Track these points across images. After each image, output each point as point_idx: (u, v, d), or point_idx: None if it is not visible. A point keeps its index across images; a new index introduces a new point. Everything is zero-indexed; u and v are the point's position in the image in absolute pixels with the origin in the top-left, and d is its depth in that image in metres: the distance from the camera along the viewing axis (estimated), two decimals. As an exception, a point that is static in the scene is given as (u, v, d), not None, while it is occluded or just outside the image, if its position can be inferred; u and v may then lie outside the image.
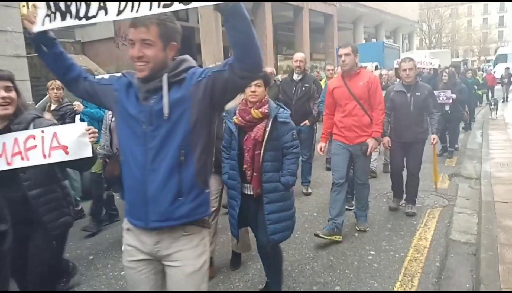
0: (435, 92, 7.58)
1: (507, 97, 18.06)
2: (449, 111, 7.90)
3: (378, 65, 13.64)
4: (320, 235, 4.19)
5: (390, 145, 5.02)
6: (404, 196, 5.23)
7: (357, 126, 4.17)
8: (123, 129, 1.85)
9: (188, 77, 1.77)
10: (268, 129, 2.88)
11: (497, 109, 12.81)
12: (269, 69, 6.50)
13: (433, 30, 51.98)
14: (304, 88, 5.73)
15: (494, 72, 24.10)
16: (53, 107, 5.19)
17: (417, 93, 4.82)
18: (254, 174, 2.92)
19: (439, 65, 11.89)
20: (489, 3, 75.09)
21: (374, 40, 28.03)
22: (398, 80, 7.71)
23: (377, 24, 27.83)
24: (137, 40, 1.71)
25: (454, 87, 8.07)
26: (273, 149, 2.92)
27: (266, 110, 2.91)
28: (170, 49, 1.78)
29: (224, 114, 3.20)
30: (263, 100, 2.94)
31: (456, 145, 8.69)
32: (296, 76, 5.80)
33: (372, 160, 6.32)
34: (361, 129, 4.17)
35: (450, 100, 7.75)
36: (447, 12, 53.26)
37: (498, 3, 74.64)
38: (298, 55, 5.87)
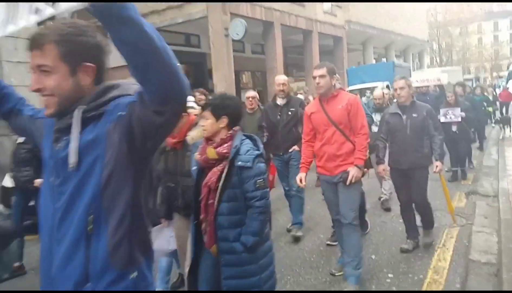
0: (442, 111, 7.38)
1: None
2: (456, 132, 7.46)
3: (389, 84, 13.63)
4: (336, 274, 4.02)
5: (386, 174, 4.68)
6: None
7: (338, 155, 3.66)
8: (43, 178, 1.43)
9: (108, 111, 1.31)
10: (224, 175, 2.41)
11: (505, 128, 12.19)
12: (251, 93, 6.08)
13: (443, 49, 52.00)
14: (290, 113, 5.25)
15: (507, 88, 23.88)
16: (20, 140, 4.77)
17: (413, 115, 4.31)
18: (208, 228, 2.49)
19: (448, 82, 11.86)
20: (499, 21, 75.11)
21: (384, 60, 28.12)
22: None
23: (387, 45, 27.98)
24: (34, 67, 1.30)
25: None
26: (232, 199, 2.43)
27: (224, 151, 2.44)
28: (83, 73, 1.34)
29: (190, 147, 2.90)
30: (225, 136, 2.48)
31: (471, 166, 8.39)
32: (280, 101, 5.36)
33: (387, 188, 6.19)
34: (342, 158, 3.65)
35: (459, 119, 7.27)
36: (457, 30, 53.30)
37: (508, 21, 74.59)
38: (280, 78, 5.43)
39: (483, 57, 63.31)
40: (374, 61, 25.75)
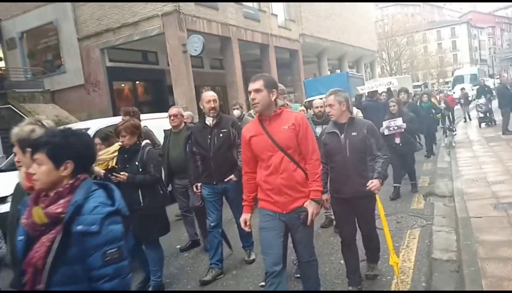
0: (385, 123, 6.98)
1: (469, 116, 18.43)
2: (400, 144, 6.97)
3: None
4: None
5: (327, 205, 3.91)
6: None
7: (289, 187, 3.04)
8: None
9: None
10: (55, 246, 1.69)
11: (452, 136, 11.71)
12: (173, 110, 5.36)
13: (392, 58, 54.42)
14: (221, 135, 4.43)
15: (454, 93, 25.34)
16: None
17: (353, 133, 3.63)
18: None
19: (394, 90, 11.74)
20: (442, 30, 79.69)
21: (338, 71, 29.07)
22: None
23: (340, 56, 28.98)
24: None
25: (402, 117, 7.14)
26: (69, 280, 1.72)
27: (58, 210, 1.74)
28: None
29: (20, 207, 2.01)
30: (62, 189, 1.80)
31: (415, 181, 7.46)
32: (210, 121, 4.48)
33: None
34: (294, 190, 3.05)
35: (402, 130, 6.87)
36: (404, 40, 56.02)
37: (449, 29, 79.27)
38: (209, 95, 4.53)
39: (429, 65, 66.85)
40: (328, 73, 26.56)
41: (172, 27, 14.46)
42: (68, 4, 16.32)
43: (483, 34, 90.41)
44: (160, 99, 17.70)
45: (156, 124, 7.06)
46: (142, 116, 6.49)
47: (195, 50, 14.41)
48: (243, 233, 4.38)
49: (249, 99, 3.12)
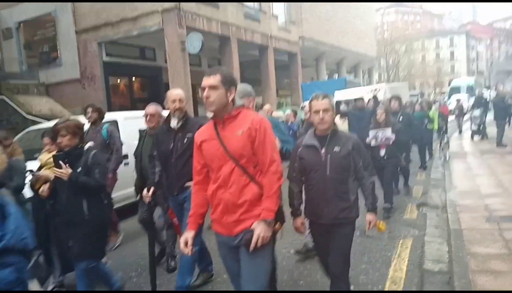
0: (371, 132, 6.34)
1: (461, 129, 18.25)
2: (385, 158, 6.37)
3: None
4: None
5: (304, 229, 3.30)
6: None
7: (238, 204, 2.54)
8: None
9: None
10: None
11: (447, 149, 11.38)
12: (150, 108, 4.70)
13: (390, 65, 54.65)
14: (186, 140, 3.87)
15: (449, 103, 25.46)
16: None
17: (335, 149, 3.06)
18: None
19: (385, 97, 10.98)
20: (440, 39, 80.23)
21: (336, 75, 29.13)
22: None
23: (339, 61, 29.02)
24: None
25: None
26: None
27: None
28: None
29: None
30: None
31: (392, 204, 6.48)
32: (174, 123, 3.99)
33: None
34: (244, 209, 2.55)
35: (390, 142, 6.24)
36: (403, 47, 56.29)
37: (448, 39, 79.83)
38: (174, 93, 4.05)
39: (426, 74, 67.26)
40: (326, 77, 26.60)
41: (172, 23, 14.40)
42: (68, -4, 16.17)
43: (481, 45, 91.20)
44: (156, 97, 17.54)
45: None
46: (137, 113, 6.40)
47: (194, 48, 14.35)
48: (193, 256, 3.60)
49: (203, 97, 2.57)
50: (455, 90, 37.50)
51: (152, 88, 18.42)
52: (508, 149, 11.95)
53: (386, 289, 3.99)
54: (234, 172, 2.55)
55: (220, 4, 16.52)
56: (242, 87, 3.32)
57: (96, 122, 5.89)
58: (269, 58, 20.04)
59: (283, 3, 21.74)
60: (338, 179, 3.08)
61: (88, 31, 16.05)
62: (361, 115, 8.59)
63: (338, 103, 8.83)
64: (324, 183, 3.08)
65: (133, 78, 18.45)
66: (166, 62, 15.40)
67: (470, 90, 36.20)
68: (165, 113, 4.55)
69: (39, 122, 11.43)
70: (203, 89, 2.57)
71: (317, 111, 3.08)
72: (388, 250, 4.99)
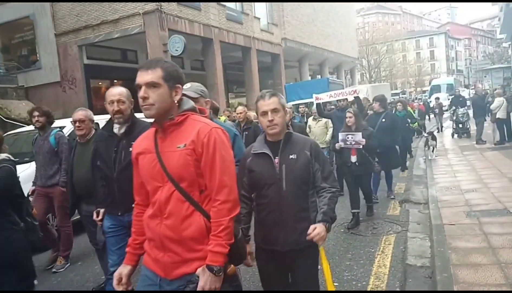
0: (341, 135, 6.03)
1: (441, 127, 18.68)
2: (356, 164, 5.98)
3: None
4: None
5: (251, 259, 2.63)
6: None
7: (176, 240, 1.94)
8: None
9: None
10: None
11: (434, 149, 11.21)
12: (78, 114, 4.14)
13: (372, 65, 55.33)
14: (131, 149, 2.74)
15: (430, 101, 25.92)
16: None
17: (291, 156, 2.51)
18: None
19: (364, 97, 10.57)
20: (420, 39, 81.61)
21: (319, 76, 29.35)
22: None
23: (321, 62, 29.26)
24: None
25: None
26: None
27: None
28: None
29: None
30: None
31: (376, 199, 6.66)
32: (117, 128, 3.25)
33: None
34: (185, 247, 1.95)
35: (361, 146, 5.88)
36: (384, 48, 57.07)
37: (428, 39, 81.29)
38: (113, 92, 3.26)
39: (407, 73, 68.30)
40: (309, 78, 26.78)
41: (154, 26, 14.31)
42: (46, -2, 15.94)
43: (460, 45, 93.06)
44: (138, 99, 17.45)
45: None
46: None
47: (176, 50, 14.28)
48: None
49: (139, 97, 1.97)
50: (436, 89, 38.30)
51: (135, 91, 18.07)
52: (487, 145, 12.20)
53: (370, 284, 4.03)
54: (173, 197, 1.96)
55: (202, 6, 16.49)
56: (195, 86, 2.89)
57: (44, 128, 5.09)
58: (252, 59, 20.07)
59: (265, 4, 21.82)
60: (297, 194, 2.50)
61: (68, 33, 15.83)
62: (344, 116, 7.84)
63: (320, 105, 8.23)
64: (279, 200, 2.48)
65: (115, 81, 18.26)
66: (148, 64, 15.28)
67: (450, 89, 36.95)
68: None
69: (18, 126, 11.19)
70: (139, 87, 1.95)
71: (264, 113, 2.49)
72: (372, 247, 5.04)
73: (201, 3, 16.43)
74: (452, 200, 6.51)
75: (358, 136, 5.86)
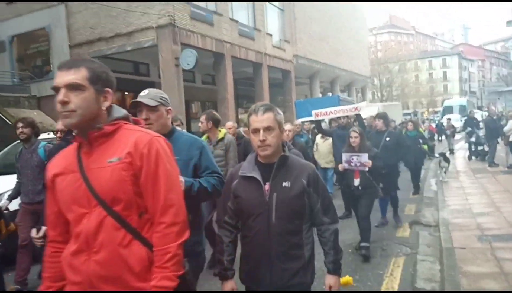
0: (345, 156, 5.54)
1: (452, 149, 18.23)
2: (359, 188, 5.43)
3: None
4: None
5: None
6: None
7: (111, 279, 1.60)
8: None
9: None
10: None
11: (446, 170, 10.90)
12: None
13: (384, 84, 55.25)
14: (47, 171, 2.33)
15: (442, 122, 25.69)
16: None
17: (284, 183, 2.15)
18: None
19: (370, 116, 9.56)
20: (433, 60, 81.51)
21: (330, 94, 29.30)
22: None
23: (332, 79, 29.25)
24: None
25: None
26: None
27: None
28: None
29: None
30: None
31: (367, 244, 5.26)
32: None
33: None
34: (122, 285, 1.61)
35: (366, 168, 5.35)
36: (396, 67, 57.04)
37: (441, 60, 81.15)
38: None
39: (419, 93, 68.07)
40: (320, 95, 26.76)
41: (166, 40, 14.45)
42: (63, 10, 16.24)
43: (473, 66, 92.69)
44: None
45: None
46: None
47: (188, 64, 14.37)
48: None
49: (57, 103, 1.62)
50: (448, 110, 38.03)
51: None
52: (500, 168, 11.98)
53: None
54: (104, 225, 1.59)
55: (215, 21, 16.65)
56: (154, 92, 2.53)
57: (30, 140, 4.83)
58: (263, 75, 20.13)
59: (277, 21, 21.99)
60: (288, 228, 2.14)
61: (82, 45, 16.06)
62: (345, 134, 6.68)
63: (319, 122, 7.82)
64: (267, 234, 2.12)
65: (126, 93, 18.44)
66: (159, 77, 15.40)
67: (463, 110, 36.68)
68: None
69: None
70: (56, 90, 1.61)
71: (256, 131, 2.12)
72: (380, 268, 4.89)
73: (214, 18, 16.59)
74: (463, 223, 6.35)
75: (364, 157, 5.36)
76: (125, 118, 1.77)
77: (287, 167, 2.20)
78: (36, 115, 14.77)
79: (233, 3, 18.12)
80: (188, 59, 14.38)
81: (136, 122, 1.86)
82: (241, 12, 18.87)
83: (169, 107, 2.56)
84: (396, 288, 4.31)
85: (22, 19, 17.15)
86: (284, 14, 22.55)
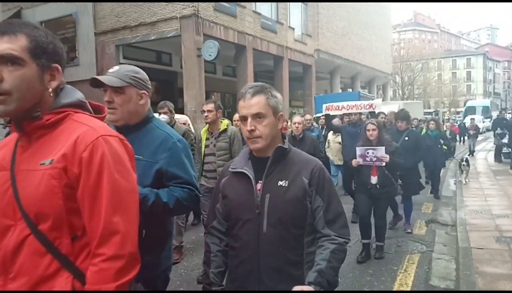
0: (359, 149, 5.00)
1: (473, 150, 17.75)
2: (377, 186, 4.93)
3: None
4: None
5: None
6: None
7: None
8: None
9: None
10: None
11: (467, 174, 10.30)
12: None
13: (405, 82, 54.40)
14: None
15: (464, 123, 25.24)
16: None
17: (280, 182, 1.71)
18: None
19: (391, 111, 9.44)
20: (457, 59, 79.79)
21: (350, 90, 29.07)
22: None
23: (353, 75, 28.99)
24: None
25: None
26: None
27: None
28: None
29: None
30: None
31: (382, 244, 5.16)
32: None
33: None
34: None
35: (383, 164, 4.84)
36: (419, 65, 56.04)
37: (465, 59, 79.38)
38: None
39: (442, 93, 66.76)
40: (340, 91, 26.57)
41: (189, 30, 14.56)
42: (89, -2, 16.52)
43: (499, 67, 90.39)
44: (169, 101, 17.78)
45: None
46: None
47: (210, 55, 14.48)
48: None
49: None
50: (471, 110, 37.26)
51: (167, 93, 18.58)
52: (522, 171, 11.75)
53: (390, 302, 3.92)
54: (25, 246, 1.23)
55: (238, 13, 16.69)
56: (125, 69, 2.02)
57: None
58: (283, 68, 20.10)
59: (300, 14, 21.86)
60: (283, 239, 1.69)
61: (107, 33, 16.33)
62: (356, 131, 6.58)
63: (329, 116, 7.32)
64: (256, 246, 1.69)
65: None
66: (181, 67, 15.56)
67: (486, 111, 35.94)
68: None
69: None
70: None
71: (244, 118, 1.73)
72: (394, 264, 4.91)
73: (237, 10, 16.62)
74: (482, 224, 6.29)
75: (381, 151, 4.82)
76: (76, 105, 1.35)
77: (285, 161, 1.75)
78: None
79: (257, -5, 18.12)
80: (210, 50, 14.48)
81: (97, 109, 1.45)
82: (264, 5, 18.84)
83: (144, 91, 2.03)
84: (410, 285, 4.33)
85: (50, 5, 17.51)
86: (307, 8, 22.41)
